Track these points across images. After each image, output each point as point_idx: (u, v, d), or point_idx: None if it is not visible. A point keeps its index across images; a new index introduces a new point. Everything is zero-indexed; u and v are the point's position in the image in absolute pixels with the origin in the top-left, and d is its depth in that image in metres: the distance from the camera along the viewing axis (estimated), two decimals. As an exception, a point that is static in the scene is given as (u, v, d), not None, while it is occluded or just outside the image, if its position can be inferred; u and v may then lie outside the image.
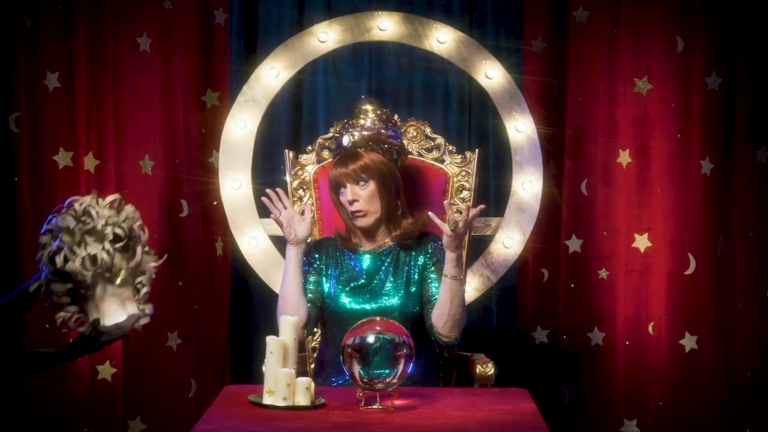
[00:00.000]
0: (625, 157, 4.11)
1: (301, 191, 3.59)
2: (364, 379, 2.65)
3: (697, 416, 4.09)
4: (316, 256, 3.29)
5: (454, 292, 3.07)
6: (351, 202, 3.20)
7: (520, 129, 3.85)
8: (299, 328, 3.09)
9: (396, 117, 3.50)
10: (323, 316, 3.28)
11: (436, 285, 3.16)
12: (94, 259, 2.48)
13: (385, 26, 3.88)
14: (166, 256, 2.66)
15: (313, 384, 2.71)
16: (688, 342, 4.09)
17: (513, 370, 4.12)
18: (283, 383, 2.66)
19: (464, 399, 2.82)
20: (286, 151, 3.62)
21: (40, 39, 3.87)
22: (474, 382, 3.26)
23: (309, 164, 3.60)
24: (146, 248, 2.58)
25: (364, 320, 2.73)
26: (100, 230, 2.50)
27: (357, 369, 2.65)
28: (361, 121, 3.30)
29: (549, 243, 4.12)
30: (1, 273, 3.84)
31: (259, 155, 3.98)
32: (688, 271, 4.09)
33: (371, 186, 3.19)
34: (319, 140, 3.64)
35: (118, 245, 2.52)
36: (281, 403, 2.66)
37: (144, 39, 3.98)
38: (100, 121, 3.95)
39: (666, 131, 4.10)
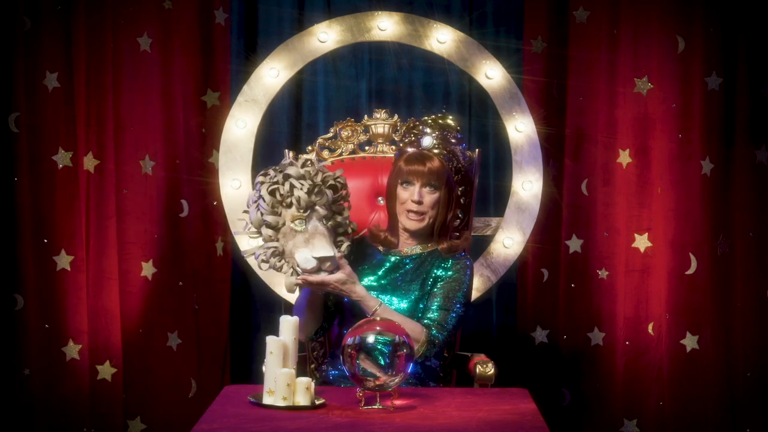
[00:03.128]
0: (625, 157, 4.11)
1: (301, 191, 3.58)
2: (364, 379, 2.65)
3: (697, 416, 4.09)
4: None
5: None
6: (417, 202, 3.16)
7: (520, 129, 3.85)
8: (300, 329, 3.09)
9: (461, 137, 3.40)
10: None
11: (437, 299, 3.16)
12: (317, 187, 2.83)
13: (385, 26, 3.88)
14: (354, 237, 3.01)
15: (313, 384, 2.71)
16: (689, 342, 4.09)
17: (513, 370, 4.12)
18: (283, 383, 2.66)
19: (464, 399, 2.82)
20: (286, 151, 3.62)
21: (39, 39, 3.87)
22: (474, 382, 3.26)
23: (309, 164, 3.59)
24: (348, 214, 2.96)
25: (364, 320, 2.73)
26: (319, 178, 2.87)
27: (357, 369, 2.64)
28: (440, 124, 3.26)
29: (549, 243, 4.12)
30: (0, 273, 3.84)
31: (259, 155, 3.98)
32: (689, 271, 4.09)
33: (438, 194, 3.17)
34: (319, 140, 3.64)
35: (335, 195, 2.89)
36: (281, 403, 2.65)
37: (144, 39, 3.98)
38: (100, 121, 3.95)
39: (666, 131, 4.10)
